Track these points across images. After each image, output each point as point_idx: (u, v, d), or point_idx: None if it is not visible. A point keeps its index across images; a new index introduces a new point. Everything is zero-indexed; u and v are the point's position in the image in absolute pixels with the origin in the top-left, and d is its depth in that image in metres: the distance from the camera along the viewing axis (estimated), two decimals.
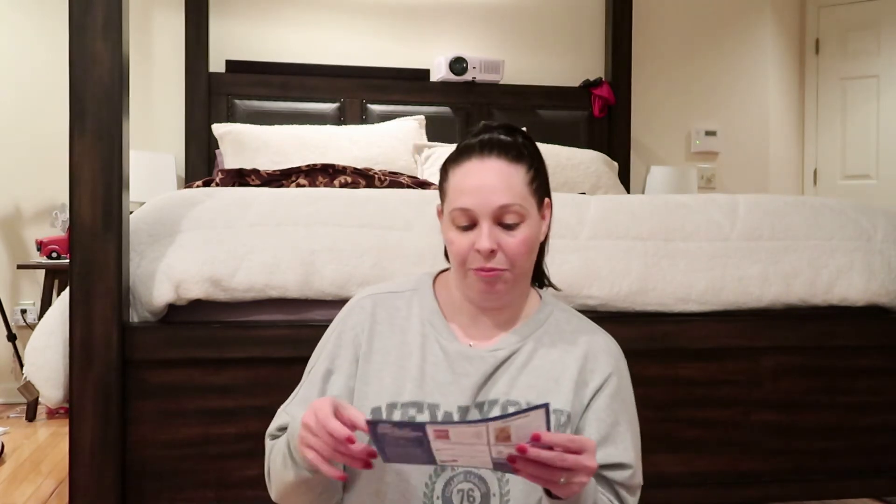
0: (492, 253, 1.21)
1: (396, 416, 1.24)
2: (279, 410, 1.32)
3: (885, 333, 2.06)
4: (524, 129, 1.36)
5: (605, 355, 1.30)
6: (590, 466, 1.04)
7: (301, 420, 1.10)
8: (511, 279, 1.25)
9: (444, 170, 1.29)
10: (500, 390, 1.26)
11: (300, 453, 1.12)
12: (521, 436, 0.99)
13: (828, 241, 2.09)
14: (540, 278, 1.39)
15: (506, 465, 1.03)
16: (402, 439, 1.02)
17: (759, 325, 1.99)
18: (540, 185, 1.28)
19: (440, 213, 1.32)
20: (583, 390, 1.27)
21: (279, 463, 1.21)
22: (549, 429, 1.00)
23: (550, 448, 1.01)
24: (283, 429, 1.28)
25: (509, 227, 1.23)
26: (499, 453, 1.01)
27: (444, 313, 1.31)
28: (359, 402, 1.27)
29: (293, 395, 1.33)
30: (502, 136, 1.26)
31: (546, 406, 0.98)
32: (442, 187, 1.29)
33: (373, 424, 1.01)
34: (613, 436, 1.25)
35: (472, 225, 1.23)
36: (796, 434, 2.04)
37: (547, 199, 1.31)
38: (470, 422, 0.98)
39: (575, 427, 1.26)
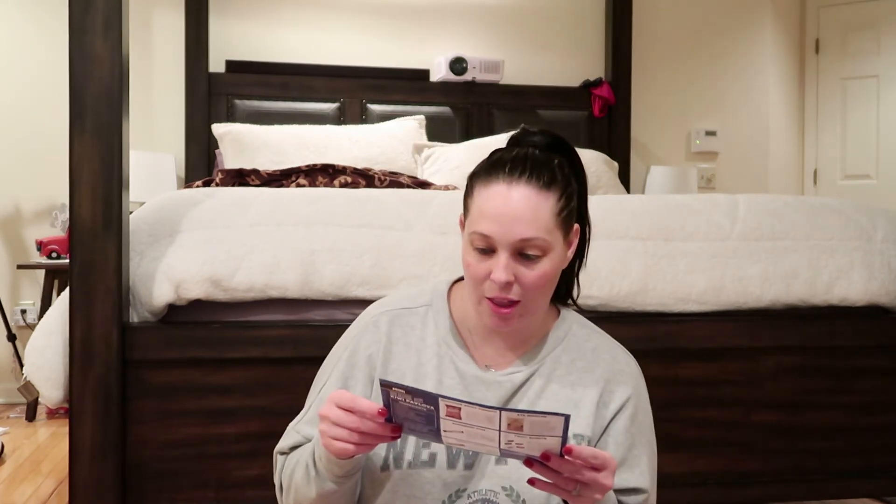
0: (507, 285, 1.15)
1: (411, 442, 1.21)
2: (289, 429, 1.29)
3: (885, 333, 2.06)
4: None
5: (626, 377, 1.27)
6: (605, 485, 1.04)
7: (318, 413, 1.09)
8: (525, 311, 1.19)
9: (471, 182, 1.21)
10: None
11: (326, 450, 1.09)
12: (535, 432, 0.98)
13: (828, 241, 2.09)
14: (567, 293, 1.33)
15: (514, 454, 1.02)
16: (413, 410, 1.01)
17: (759, 325, 1.99)
18: (569, 213, 1.20)
19: (462, 224, 1.26)
20: (602, 411, 1.24)
21: (300, 478, 1.19)
22: (565, 439, 0.99)
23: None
24: (295, 447, 1.25)
25: (529, 259, 1.16)
26: (508, 443, 1.00)
27: (460, 331, 1.27)
28: None
29: (302, 413, 1.29)
30: (537, 154, 1.19)
31: (567, 417, 0.96)
32: (466, 201, 1.22)
33: (386, 386, 1.01)
34: (630, 460, 1.24)
35: (490, 250, 1.16)
36: (796, 434, 2.04)
37: (576, 226, 1.24)
38: (484, 405, 0.98)
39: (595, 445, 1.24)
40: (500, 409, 0.97)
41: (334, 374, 1.27)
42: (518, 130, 1.25)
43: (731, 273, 2.01)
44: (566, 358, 1.26)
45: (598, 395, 1.24)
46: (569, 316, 1.31)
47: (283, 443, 1.27)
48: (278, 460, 1.28)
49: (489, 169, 1.19)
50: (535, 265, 1.16)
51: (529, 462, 1.03)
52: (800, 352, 2.03)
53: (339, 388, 1.24)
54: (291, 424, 1.29)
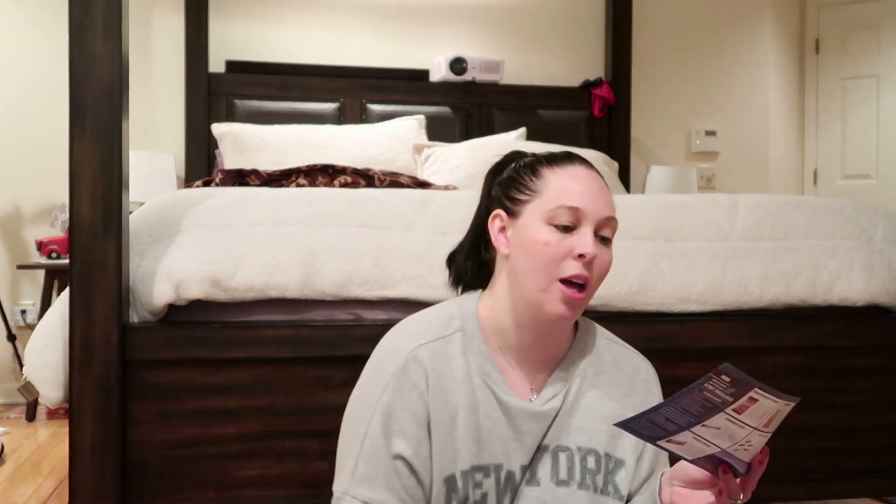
0: (591, 260, 1.14)
1: (465, 482, 1.17)
2: (337, 494, 1.18)
3: (885, 333, 2.06)
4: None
5: (650, 386, 1.28)
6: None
7: None
8: (586, 300, 1.18)
9: (532, 169, 1.21)
10: (549, 436, 1.21)
11: None
12: (773, 427, 1.00)
13: (828, 241, 2.09)
14: None
15: (731, 457, 1.02)
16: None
17: (759, 325, 1.99)
18: None
19: (503, 218, 1.21)
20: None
21: None
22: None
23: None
24: None
25: (603, 241, 1.17)
26: (746, 443, 1.00)
27: (493, 355, 1.22)
28: (438, 471, 1.17)
29: (349, 472, 1.17)
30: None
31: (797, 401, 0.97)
32: (527, 185, 1.19)
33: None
34: (657, 467, 1.25)
35: (572, 227, 1.15)
36: (796, 434, 2.04)
37: None
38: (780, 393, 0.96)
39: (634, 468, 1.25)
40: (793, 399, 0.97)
41: (377, 419, 1.16)
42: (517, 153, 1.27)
43: (731, 273, 2.01)
44: (591, 370, 1.26)
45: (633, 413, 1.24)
46: (587, 325, 1.30)
47: None
48: None
49: (555, 157, 1.22)
50: (608, 249, 1.18)
51: (725, 468, 1.03)
52: (799, 352, 2.03)
53: (389, 434, 1.15)
54: (338, 489, 1.18)
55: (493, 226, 1.23)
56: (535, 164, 1.22)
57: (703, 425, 0.97)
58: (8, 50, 3.91)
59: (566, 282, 1.14)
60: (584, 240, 1.14)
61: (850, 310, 2.09)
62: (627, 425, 1.01)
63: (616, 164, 4.00)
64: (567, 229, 1.15)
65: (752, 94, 4.62)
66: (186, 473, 1.78)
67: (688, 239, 2.04)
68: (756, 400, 0.95)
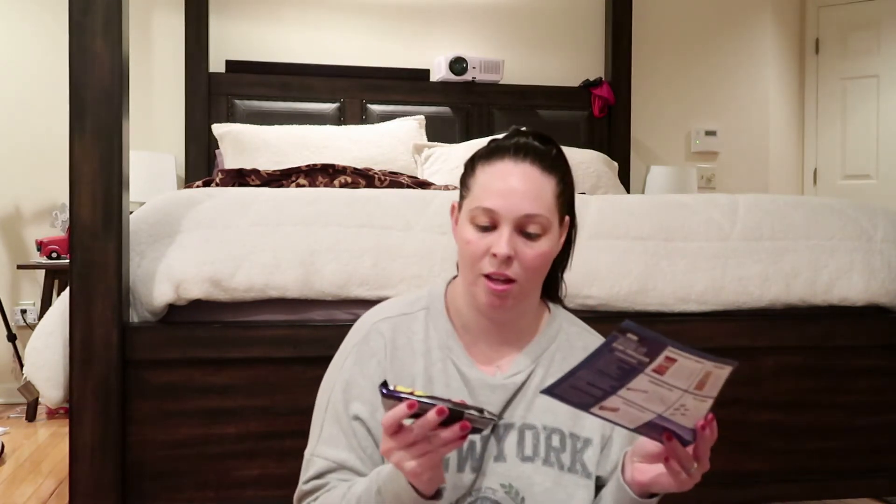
0: (508, 260, 1.17)
1: None
2: (307, 457, 1.25)
3: (885, 333, 2.06)
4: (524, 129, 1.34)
5: None
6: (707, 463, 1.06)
7: (381, 451, 1.05)
8: (519, 293, 1.21)
9: (472, 164, 1.25)
10: (517, 414, 1.24)
11: (412, 478, 1.03)
12: (711, 392, 0.97)
13: (828, 241, 2.09)
14: (555, 292, 1.35)
15: (668, 423, 1.00)
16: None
17: (759, 325, 1.99)
18: (566, 201, 1.25)
19: (456, 209, 1.28)
20: None
21: None
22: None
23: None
24: (319, 475, 1.22)
25: (529, 237, 1.19)
26: (679, 407, 0.98)
27: (458, 331, 1.27)
28: None
29: (316, 436, 1.25)
30: (537, 143, 1.23)
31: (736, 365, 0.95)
32: (465, 182, 1.25)
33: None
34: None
35: (491, 227, 1.19)
36: (796, 434, 2.04)
37: (567, 217, 1.26)
38: (707, 357, 0.93)
39: (601, 448, 1.26)
40: (720, 360, 0.93)
41: (338, 386, 1.25)
42: (510, 130, 1.28)
43: (731, 273, 2.01)
44: (559, 355, 1.28)
45: None
46: (558, 313, 1.33)
47: (308, 473, 1.24)
48: (307, 499, 1.23)
49: (493, 150, 1.23)
50: (535, 244, 1.19)
51: (704, 426, 1.02)
52: (799, 352, 2.03)
53: (348, 398, 1.23)
54: (308, 452, 1.26)
55: (452, 217, 1.29)
56: (475, 160, 1.25)
57: (629, 389, 0.97)
58: (7, 50, 3.91)
59: (488, 277, 1.19)
60: (499, 239, 1.17)
61: (850, 310, 2.09)
62: (553, 392, 0.99)
63: (616, 164, 4.00)
64: (486, 228, 1.19)
65: (752, 94, 4.62)
66: (186, 473, 1.78)
67: (688, 239, 2.04)
68: (674, 360, 0.93)
